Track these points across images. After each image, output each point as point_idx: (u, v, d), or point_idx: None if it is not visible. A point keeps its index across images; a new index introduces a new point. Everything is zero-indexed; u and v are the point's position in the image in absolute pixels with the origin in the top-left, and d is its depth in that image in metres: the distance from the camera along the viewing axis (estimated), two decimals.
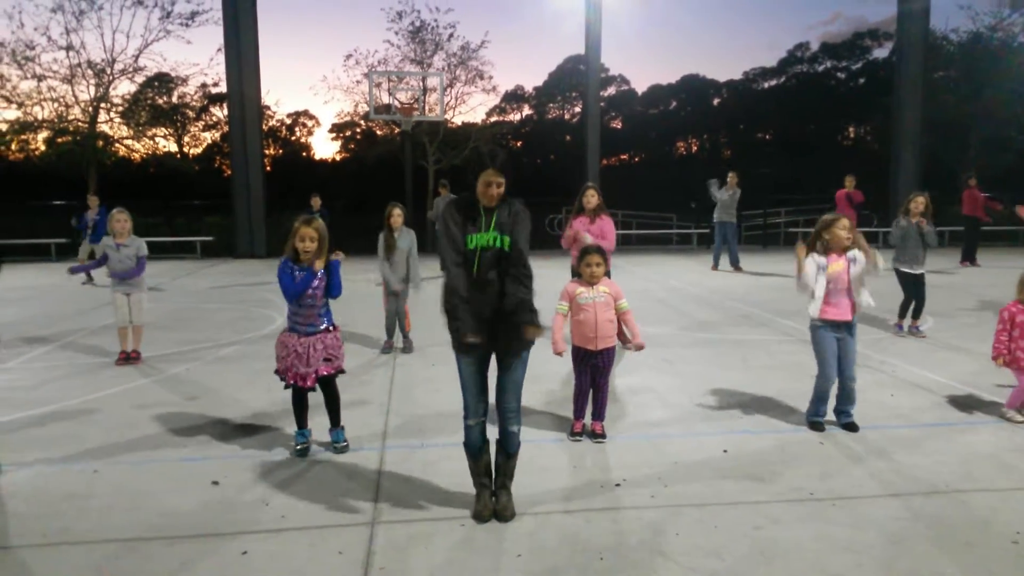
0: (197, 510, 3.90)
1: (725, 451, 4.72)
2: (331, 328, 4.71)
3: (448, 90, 24.48)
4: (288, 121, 52.43)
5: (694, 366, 7.02)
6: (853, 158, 36.47)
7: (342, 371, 4.79)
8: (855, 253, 5.03)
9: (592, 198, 7.37)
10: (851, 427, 5.07)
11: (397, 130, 22.84)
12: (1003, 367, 5.33)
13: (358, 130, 43.43)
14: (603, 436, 4.93)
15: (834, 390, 5.13)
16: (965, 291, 11.50)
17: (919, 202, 8.16)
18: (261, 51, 19.32)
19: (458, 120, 26.66)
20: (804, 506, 3.90)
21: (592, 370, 4.94)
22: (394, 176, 20.79)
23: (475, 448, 3.83)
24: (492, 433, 3.89)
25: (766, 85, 58.07)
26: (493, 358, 3.78)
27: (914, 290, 8.24)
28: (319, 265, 4.57)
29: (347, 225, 17.36)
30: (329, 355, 4.65)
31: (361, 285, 11.58)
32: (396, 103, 19.71)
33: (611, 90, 60.90)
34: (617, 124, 61.88)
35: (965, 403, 5.73)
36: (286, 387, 4.69)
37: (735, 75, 66.91)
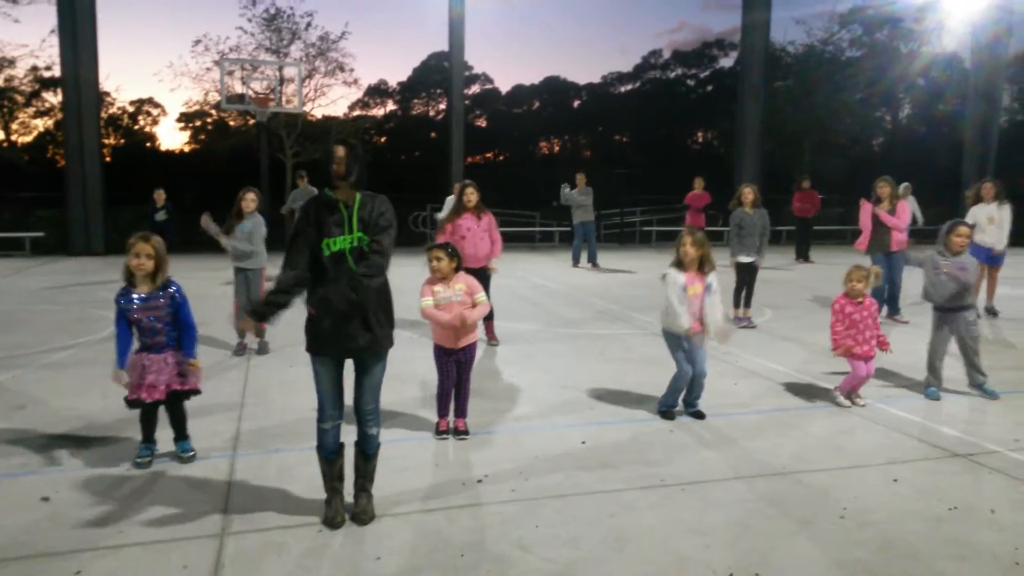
0: (25, 529, 3.55)
1: (583, 442, 4.84)
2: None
3: (307, 81, 23.75)
4: (131, 109, 49.06)
5: (555, 361, 7.16)
6: (702, 161, 38.58)
7: (197, 391, 4.51)
8: (712, 279, 5.26)
9: (472, 195, 7.42)
10: (698, 415, 5.35)
11: (252, 121, 21.90)
12: (842, 356, 5.74)
13: (209, 120, 41.28)
14: (466, 433, 4.93)
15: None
16: (800, 286, 12.42)
17: (747, 192, 8.82)
18: (100, 32, 17.91)
19: (318, 113, 26.00)
20: (656, 492, 4.07)
21: (455, 367, 4.93)
22: (249, 169, 19.88)
23: (330, 452, 3.71)
24: (349, 436, 3.80)
25: (623, 89, 60.38)
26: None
27: (748, 279, 8.84)
28: (146, 289, 4.26)
29: (197, 221, 16.43)
30: (184, 371, 4.38)
31: (213, 285, 11.01)
32: (250, 93, 18.86)
33: (475, 88, 61.23)
34: (482, 122, 62.32)
35: (800, 390, 6.18)
36: (132, 406, 4.35)
37: (594, 78, 69.03)
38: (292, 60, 22.98)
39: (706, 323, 5.21)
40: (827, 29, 30.38)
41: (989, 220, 9.54)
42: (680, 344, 5.27)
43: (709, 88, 54.99)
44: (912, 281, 9.82)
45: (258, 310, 3.55)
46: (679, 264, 5.24)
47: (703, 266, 5.21)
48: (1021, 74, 28.11)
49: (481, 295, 4.88)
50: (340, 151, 3.54)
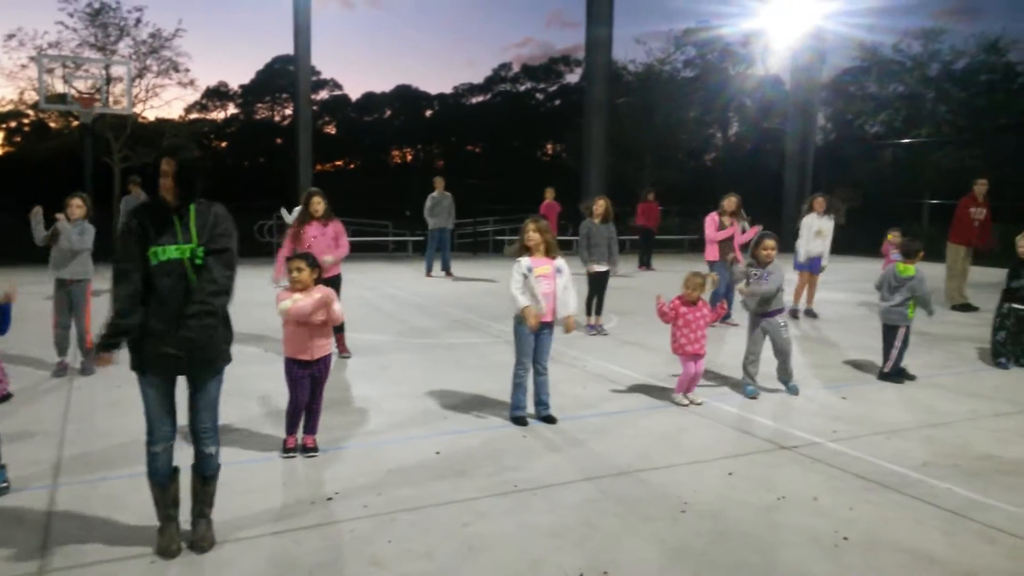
0: None
1: (438, 452, 4.81)
2: None
3: (137, 81, 22.26)
4: None
5: (409, 371, 7.08)
6: (551, 172, 39.67)
7: (8, 396, 4.08)
8: (561, 263, 5.41)
9: (319, 204, 7.24)
10: (549, 419, 5.47)
11: (76, 123, 20.26)
12: (676, 353, 6.08)
13: (25, 121, 37.74)
14: (316, 450, 4.75)
15: (531, 385, 5.51)
16: (643, 293, 13.00)
17: (600, 204, 9.16)
18: None
19: (150, 115, 24.47)
20: (509, 498, 4.10)
21: (310, 381, 4.75)
22: (72, 174, 18.33)
23: (162, 476, 3.44)
24: (185, 459, 3.56)
25: (474, 101, 61.10)
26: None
27: (598, 287, 9.16)
28: None
29: (13, 231, 14.88)
30: None
31: (30, 301, 10.03)
32: (73, 92, 17.41)
33: (324, 94, 59.89)
34: (331, 129, 60.99)
35: (644, 391, 6.46)
36: None
37: (446, 89, 69.45)
38: (120, 58, 21.47)
39: (560, 307, 5.36)
40: (664, 50, 32.27)
41: (818, 232, 10.47)
42: (529, 337, 5.37)
43: (557, 102, 56.72)
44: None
45: (106, 343, 3.28)
46: (526, 251, 5.38)
47: (549, 251, 5.36)
48: (832, 96, 31.05)
49: (338, 305, 4.73)
50: (171, 164, 3.27)
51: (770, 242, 6.37)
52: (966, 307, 11.33)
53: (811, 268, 10.51)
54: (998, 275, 7.87)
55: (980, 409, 6.04)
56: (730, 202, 9.67)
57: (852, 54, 28.72)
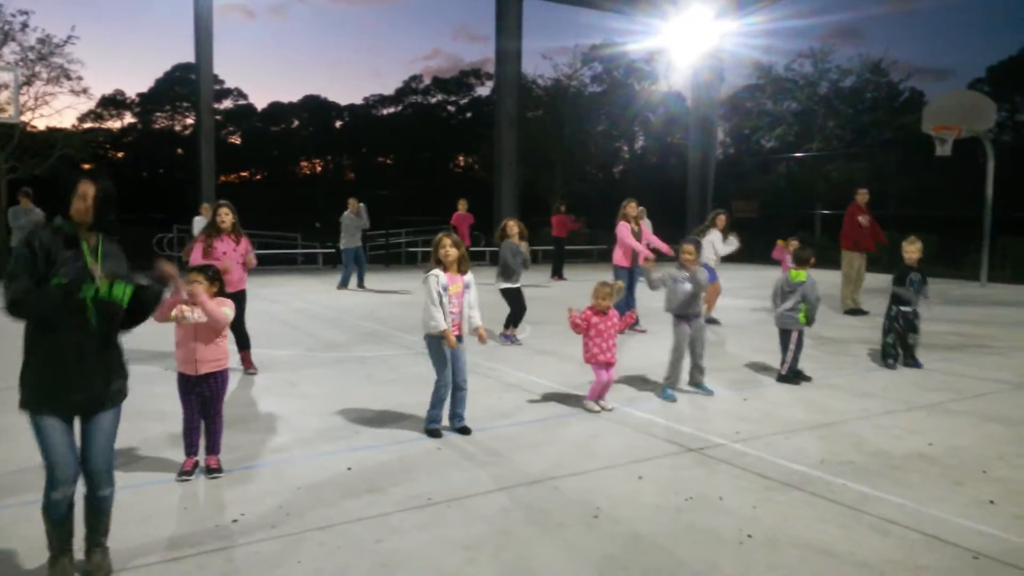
0: None
1: (349, 468, 4.72)
2: None
3: (25, 89, 21.02)
4: None
5: (320, 386, 6.93)
6: (464, 184, 39.75)
7: None
8: (470, 278, 5.43)
9: (227, 216, 7.05)
10: (464, 430, 5.45)
11: None
12: (589, 363, 6.19)
13: None
14: (219, 470, 4.58)
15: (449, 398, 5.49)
16: (556, 302, 13.16)
17: (511, 225, 9.31)
18: None
19: (40, 124, 23.15)
20: (423, 512, 4.06)
21: (200, 400, 4.57)
22: None
23: (58, 517, 3.22)
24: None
25: (385, 112, 60.65)
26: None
27: (516, 301, 9.25)
28: None
29: None
30: None
31: None
32: None
33: (227, 103, 58.19)
34: (236, 139, 59.30)
35: (557, 399, 6.53)
36: None
37: (355, 99, 68.68)
38: (5, 64, 20.25)
39: (465, 323, 5.39)
40: (572, 65, 32.96)
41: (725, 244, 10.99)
42: (442, 351, 5.36)
43: (468, 115, 56.97)
44: (650, 293, 10.83)
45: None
46: (439, 265, 5.36)
47: (461, 266, 5.38)
48: (731, 112, 32.42)
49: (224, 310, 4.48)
50: (90, 191, 3.11)
51: (690, 247, 6.70)
52: (857, 311, 11.98)
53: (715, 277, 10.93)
54: (888, 280, 8.36)
55: (871, 408, 6.39)
56: (632, 208, 10.04)
57: (748, 72, 30.14)
